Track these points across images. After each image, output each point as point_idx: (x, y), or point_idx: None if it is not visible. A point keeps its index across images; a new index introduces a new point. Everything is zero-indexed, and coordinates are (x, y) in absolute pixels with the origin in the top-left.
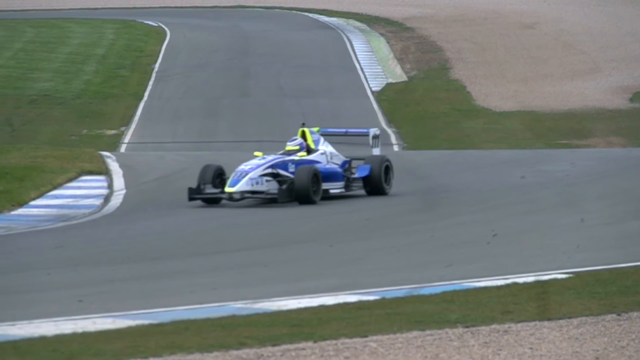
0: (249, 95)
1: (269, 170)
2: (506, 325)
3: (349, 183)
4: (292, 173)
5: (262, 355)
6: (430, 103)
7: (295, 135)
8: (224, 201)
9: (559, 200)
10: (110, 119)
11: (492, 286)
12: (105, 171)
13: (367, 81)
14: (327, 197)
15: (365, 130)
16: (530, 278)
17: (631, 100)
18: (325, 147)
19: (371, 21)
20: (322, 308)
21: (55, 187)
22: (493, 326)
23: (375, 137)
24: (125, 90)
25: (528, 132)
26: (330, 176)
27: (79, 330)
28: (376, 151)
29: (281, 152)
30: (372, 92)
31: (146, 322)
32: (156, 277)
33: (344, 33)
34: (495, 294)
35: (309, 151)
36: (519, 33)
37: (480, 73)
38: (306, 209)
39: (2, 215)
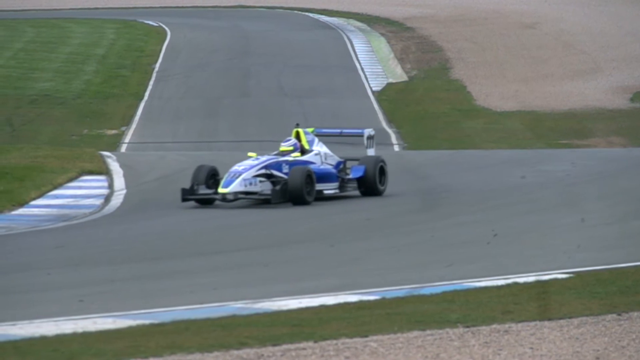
0: (249, 95)
1: (263, 171)
2: (507, 325)
3: (343, 184)
4: (286, 174)
5: (263, 355)
6: (431, 103)
7: (290, 135)
8: (217, 202)
9: (559, 200)
10: (111, 119)
11: (493, 286)
12: (105, 171)
13: (367, 81)
14: (328, 197)
15: (360, 131)
16: (530, 278)
17: (632, 100)
18: (319, 147)
19: (371, 21)
20: (323, 308)
21: (55, 187)
22: (493, 326)
23: (370, 137)
24: (126, 90)
25: (528, 132)
26: (324, 177)
27: (80, 330)
28: (371, 152)
29: (275, 152)
30: (373, 92)
31: (147, 322)
32: (156, 277)
33: (344, 33)
34: (496, 294)
35: (303, 152)
36: (520, 33)
37: (481, 73)
38: (306, 209)
39: (2, 215)
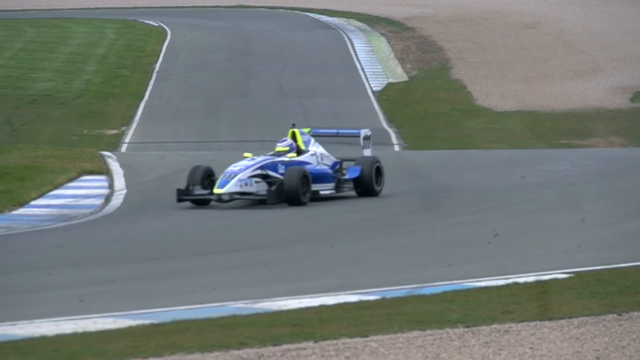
0: (249, 95)
1: (259, 172)
2: (507, 325)
3: (339, 184)
4: (281, 174)
5: (263, 355)
6: (431, 103)
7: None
8: (213, 202)
9: (559, 200)
10: (111, 119)
11: (493, 286)
12: (106, 171)
13: (367, 81)
14: (328, 198)
15: (356, 131)
16: (530, 278)
17: (632, 100)
18: (315, 148)
19: (372, 21)
20: (323, 308)
21: (56, 187)
22: (494, 326)
23: (366, 138)
24: (126, 90)
25: (529, 132)
26: (320, 177)
27: (80, 330)
28: (367, 152)
29: (271, 153)
30: (373, 92)
31: (147, 322)
32: (157, 277)
33: (344, 33)
34: (496, 294)
35: (299, 152)
36: (520, 33)
37: (481, 73)
38: (306, 209)
39: (2, 215)
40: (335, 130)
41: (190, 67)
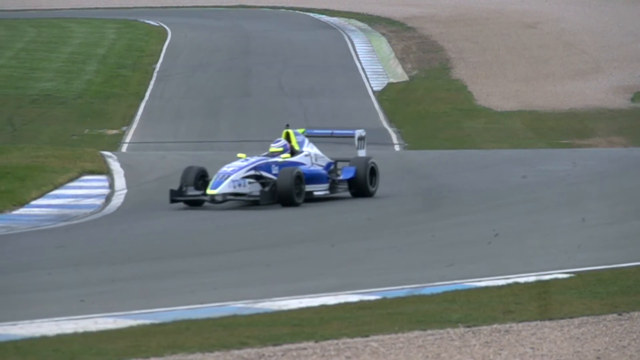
0: (250, 95)
1: (252, 172)
2: (507, 325)
3: (334, 185)
4: (275, 175)
5: (264, 355)
6: (432, 103)
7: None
8: (207, 203)
9: (560, 199)
10: (112, 119)
11: (494, 286)
12: (106, 171)
13: (368, 81)
14: (329, 198)
15: (351, 132)
16: (531, 278)
17: (632, 100)
18: (309, 148)
19: (372, 21)
20: (324, 308)
21: (56, 187)
22: (494, 326)
23: (360, 138)
24: (127, 90)
25: (529, 131)
26: (314, 178)
27: (81, 330)
28: (362, 152)
29: (265, 153)
30: (373, 92)
31: (147, 321)
32: (157, 277)
33: (345, 33)
34: (497, 294)
35: (293, 153)
36: (520, 33)
37: (482, 73)
38: (307, 209)
39: (3, 215)
40: (329, 131)
41: (190, 67)
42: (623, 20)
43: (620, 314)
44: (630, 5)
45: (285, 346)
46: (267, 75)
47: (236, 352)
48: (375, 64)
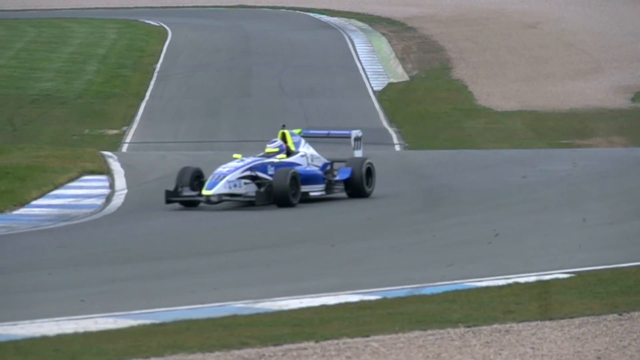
0: (250, 95)
1: (248, 173)
2: (508, 325)
3: (330, 185)
4: (271, 175)
5: (264, 355)
6: (432, 103)
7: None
8: (202, 204)
9: (560, 200)
10: (112, 119)
11: (494, 286)
12: (106, 171)
13: (368, 81)
14: (328, 198)
15: (347, 132)
16: (531, 278)
17: (633, 100)
18: (306, 149)
19: (373, 21)
20: (324, 308)
21: (56, 187)
22: (495, 326)
23: (357, 139)
24: (127, 90)
25: (530, 131)
26: (310, 179)
27: (81, 330)
28: (358, 153)
29: (261, 154)
30: (374, 92)
31: (148, 321)
32: (158, 277)
33: (345, 33)
34: (497, 294)
35: (289, 153)
36: (521, 33)
37: (482, 73)
38: (307, 209)
39: (3, 215)
40: (326, 132)
41: (191, 67)
42: (623, 20)
43: (620, 314)
44: (631, 5)
45: (286, 346)
46: (268, 75)
47: (236, 352)
48: (376, 64)
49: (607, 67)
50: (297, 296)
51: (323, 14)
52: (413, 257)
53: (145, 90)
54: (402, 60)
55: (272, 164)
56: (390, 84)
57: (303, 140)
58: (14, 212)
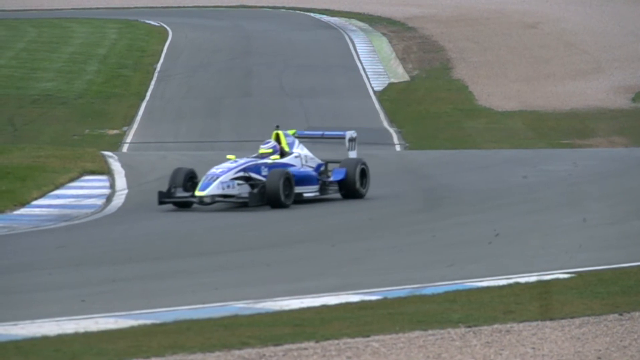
0: (251, 95)
1: (241, 174)
2: (508, 325)
3: (324, 186)
4: (264, 176)
5: (264, 355)
6: (432, 103)
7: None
8: (195, 205)
9: (561, 200)
10: (113, 119)
11: (494, 286)
12: (107, 171)
13: (369, 81)
14: (328, 198)
15: (341, 133)
16: (532, 278)
17: (633, 100)
18: (300, 150)
19: (373, 21)
20: (325, 308)
21: (57, 187)
22: (495, 326)
23: (351, 139)
24: (128, 90)
25: (530, 131)
26: (304, 179)
27: (81, 330)
28: (353, 154)
29: (254, 155)
30: (374, 92)
31: (148, 321)
32: (158, 277)
33: (345, 33)
34: (498, 294)
35: (283, 154)
36: (521, 33)
37: (483, 73)
38: (308, 209)
39: (4, 215)
40: (320, 132)
41: (191, 67)
42: (624, 20)
43: (621, 314)
44: (631, 5)
45: (287, 346)
46: (268, 75)
47: (237, 352)
48: (376, 64)
49: (608, 67)
50: (298, 296)
51: (323, 14)
52: (413, 257)
53: (146, 90)
54: (403, 60)
55: (266, 164)
56: (390, 84)
57: (297, 141)
58: (15, 212)
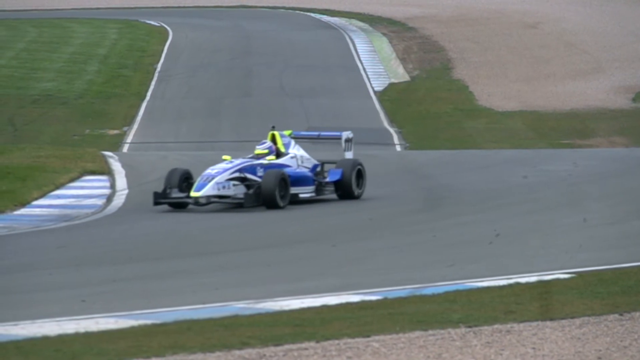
0: (251, 95)
1: (237, 175)
2: (509, 325)
3: (320, 187)
4: (260, 177)
5: (265, 355)
6: (433, 103)
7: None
8: (191, 206)
9: (561, 200)
10: (113, 119)
11: (495, 286)
12: (107, 171)
13: (369, 81)
14: (328, 199)
15: (338, 134)
16: (532, 278)
17: (634, 100)
18: (296, 150)
19: (373, 21)
20: (325, 308)
21: (57, 187)
22: (495, 326)
23: (348, 140)
24: (128, 90)
25: (530, 131)
26: (300, 180)
27: (82, 330)
28: (349, 155)
29: (250, 155)
30: (375, 92)
31: (149, 322)
32: (159, 277)
33: (346, 33)
34: (498, 294)
35: (279, 155)
36: (522, 33)
37: (483, 73)
38: (308, 209)
39: (4, 215)
40: (316, 133)
41: (191, 67)
42: (624, 21)
43: (621, 314)
44: (632, 6)
45: (287, 346)
46: (268, 75)
47: (237, 352)
48: (377, 64)
49: (608, 67)
50: (298, 296)
51: (324, 14)
52: (414, 257)
53: (146, 91)
54: (403, 61)
55: (262, 165)
56: (391, 84)
57: (293, 142)
58: (15, 212)
